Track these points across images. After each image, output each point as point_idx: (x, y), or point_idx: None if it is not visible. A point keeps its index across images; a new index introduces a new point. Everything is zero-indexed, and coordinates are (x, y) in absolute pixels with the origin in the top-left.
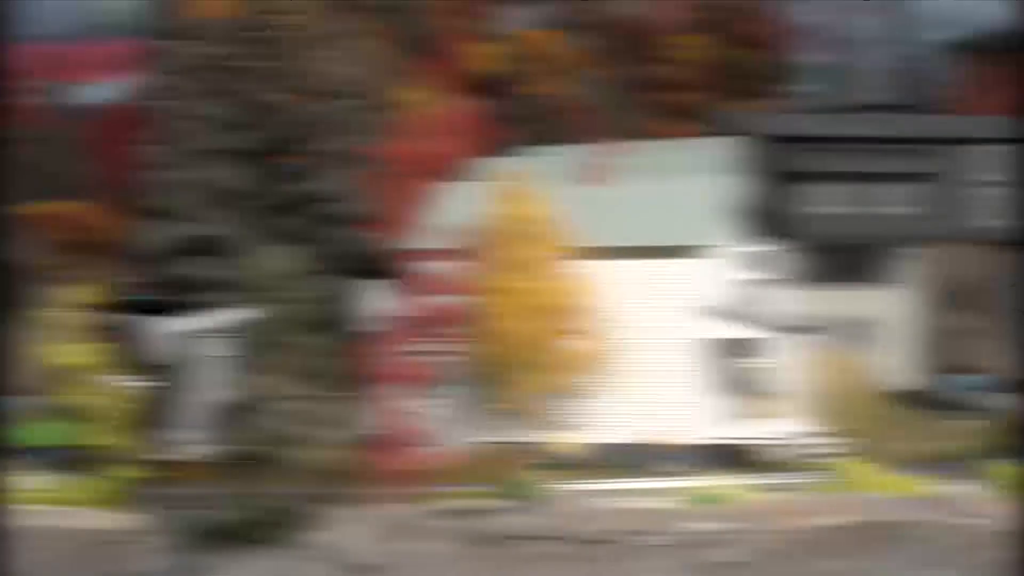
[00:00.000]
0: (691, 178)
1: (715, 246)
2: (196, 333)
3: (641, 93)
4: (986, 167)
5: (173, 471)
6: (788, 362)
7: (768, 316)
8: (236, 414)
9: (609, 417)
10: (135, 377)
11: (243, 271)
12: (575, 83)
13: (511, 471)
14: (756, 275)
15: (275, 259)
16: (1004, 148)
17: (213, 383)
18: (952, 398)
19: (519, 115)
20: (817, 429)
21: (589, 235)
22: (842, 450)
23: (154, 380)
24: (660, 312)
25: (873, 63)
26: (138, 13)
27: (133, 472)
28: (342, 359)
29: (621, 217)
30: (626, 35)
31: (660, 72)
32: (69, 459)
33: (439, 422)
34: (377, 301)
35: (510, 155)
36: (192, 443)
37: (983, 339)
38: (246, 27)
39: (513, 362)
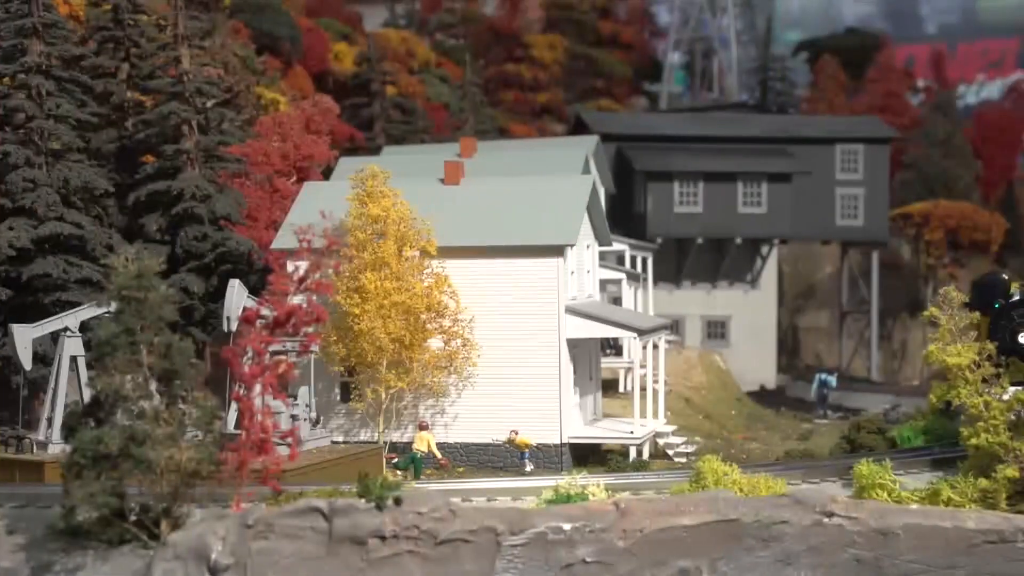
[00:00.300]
0: (550, 177)
1: (574, 245)
2: (54, 333)
3: (500, 92)
4: (841, 167)
5: (30, 470)
6: (647, 361)
7: (627, 315)
8: (94, 413)
9: (468, 416)
10: None
11: (102, 270)
12: (434, 82)
13: (370, 470)
14: (615, 275)
15: (134, 258)
16: (859, 148)
17: (72, 382)
18: (808, 396)
19: (379, 114)
20: (676, 428)
21: (449, 234)
22: (701, 449)
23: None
24: (520, 312)
25: (730, 64)
26: None
27: None
28: (202, 358)
29: (480, 216)
30: (485, 35)
31: (519, 71)
32: None
33: (299, 421)
34: (238, 300)
35: (370, 154)
36: (50, 442)
37: (839, 338)
38: (103, 27)
39: (374, 361)
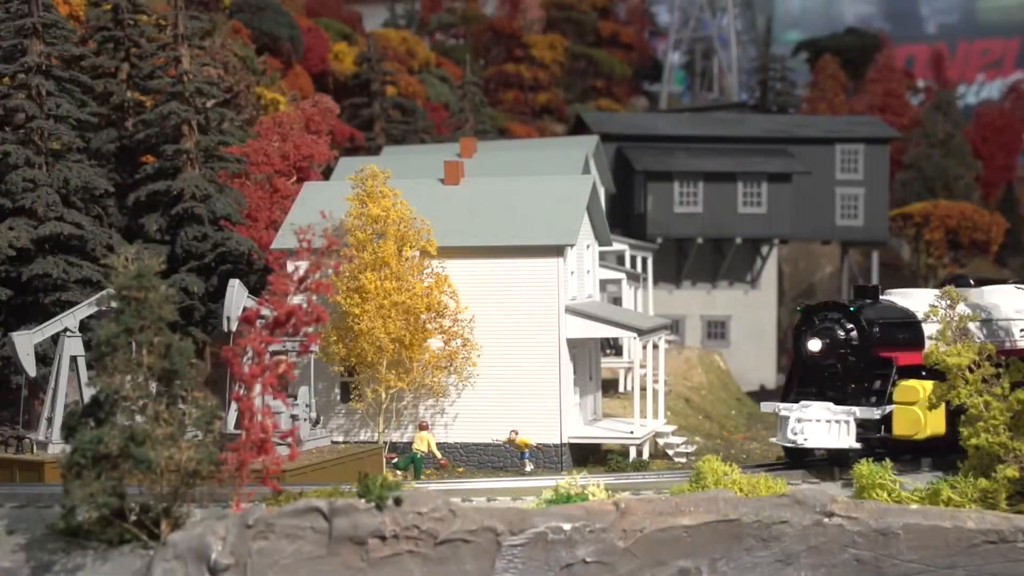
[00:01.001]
0: (550, 177)
1: (574, 245)
2: (54, 333)
3: (500, 92)
4: (841, 167)
5: (30, 470)
6: (647, 361)
7: (627, 315)
8: (94, 413)
9: (468, 416)
10: None
11: (102, 270)
12: (434, 82)
13: (370, 470)
14: (615, 275)
15: (134, 258)
16: (859, 148)
17: (72, 382)
18: None
19: (379, 114)
20: (676, 428)
21: (449, 234)
22: (700, 449)
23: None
24: (520, 312)
25: (730, 64)
26: None
27: None
28: (202, 358)
29: (480, 216)
30: (485, 35)
31: (519, 71)
32: None
33: (299, 421)
34: (238, 300)
35: (370, 154)
36: (50, 442)
37: None
38: (103, 27)
39: (374, 361)
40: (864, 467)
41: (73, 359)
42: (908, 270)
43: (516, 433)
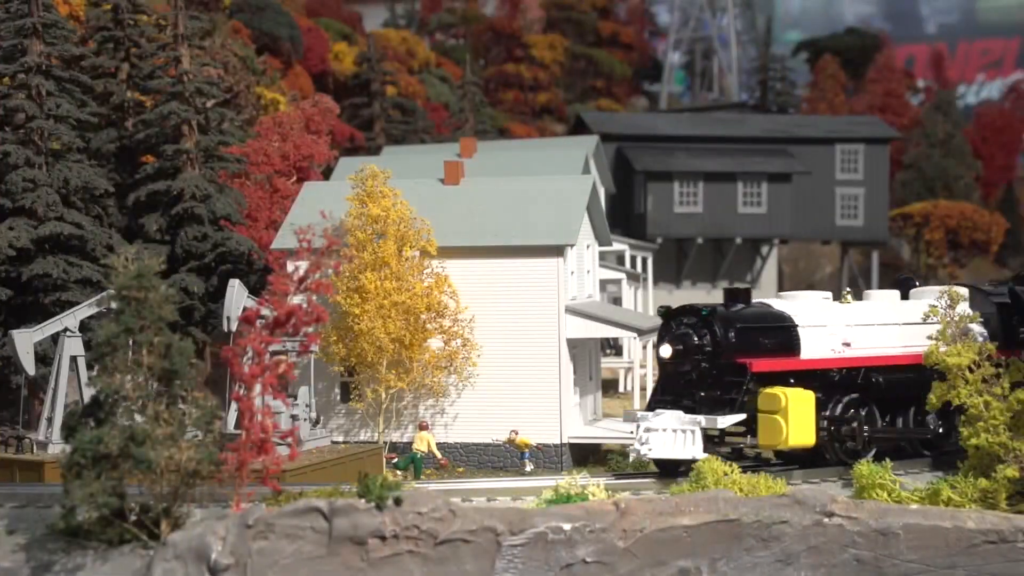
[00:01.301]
0: (550, 177)
1: (574, 245)
2: (53, 333)
3: (500, 92)
4: (841, 167)
5: (30, 470)
6: (647, 361)
7: (627, 315)
8: (94, 413)
9: (468, 416)
10: None
11: (102, 270)
12: (434, 82)
13: (370, 470)
14: (615, 275)
15: (134, 258)
16: (859, 148)
17: (72, 382)
18: None
19: (379, 114)
20: None
21: (449, 234)
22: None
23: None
24: (520, 312)
25: (730, 64)
26: None
27: None
28: (202, 358)
29: (480, 216)
30: (485, 35)
31: (519, 71)
32: None
33: (299, 421)
34: (238, 300)
35: (370, 154)
36: (50, 442)
37: None
38: (103, 27)
39: (374, 361)
40: (864, 467)
41: (73, 359)
42: (908, 270)
43: (516, 433)
